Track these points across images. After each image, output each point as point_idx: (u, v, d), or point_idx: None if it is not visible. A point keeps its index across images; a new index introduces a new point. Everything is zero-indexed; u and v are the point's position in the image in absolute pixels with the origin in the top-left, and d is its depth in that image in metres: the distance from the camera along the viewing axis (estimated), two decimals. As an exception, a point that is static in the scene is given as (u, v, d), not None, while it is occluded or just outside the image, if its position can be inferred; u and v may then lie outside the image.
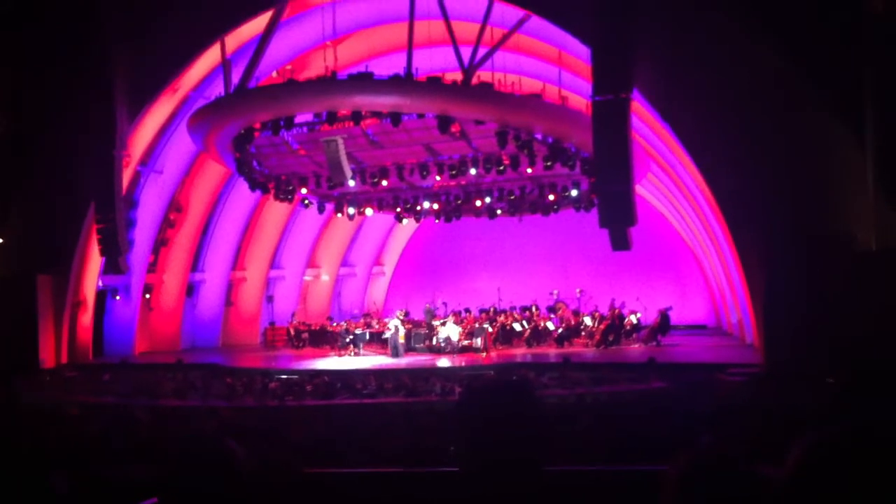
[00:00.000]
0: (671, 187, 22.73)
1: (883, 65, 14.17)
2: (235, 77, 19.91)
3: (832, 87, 14.95)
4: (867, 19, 14.25)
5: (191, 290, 27.60)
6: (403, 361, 21.26)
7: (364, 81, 18.14)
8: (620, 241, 16.70)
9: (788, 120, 15.57)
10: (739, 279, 17.92)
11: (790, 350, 14.62)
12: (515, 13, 18.79)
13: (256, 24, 20.40)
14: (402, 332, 22.69)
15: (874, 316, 13.71)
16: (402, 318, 23.91)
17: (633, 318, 23.62)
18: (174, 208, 25.86)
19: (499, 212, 25.95)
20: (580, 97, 19.50)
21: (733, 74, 15.85)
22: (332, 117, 19.01)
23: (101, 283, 24.13)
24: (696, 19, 16.13)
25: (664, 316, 23.24)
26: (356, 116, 18.86)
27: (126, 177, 22.16)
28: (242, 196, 26.36)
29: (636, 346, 22.86)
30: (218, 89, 20.77)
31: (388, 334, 22.94)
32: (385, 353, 22.74)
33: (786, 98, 15.50)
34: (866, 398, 8.01)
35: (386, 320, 25.04)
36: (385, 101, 18.28)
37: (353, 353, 23.17)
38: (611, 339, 22.90)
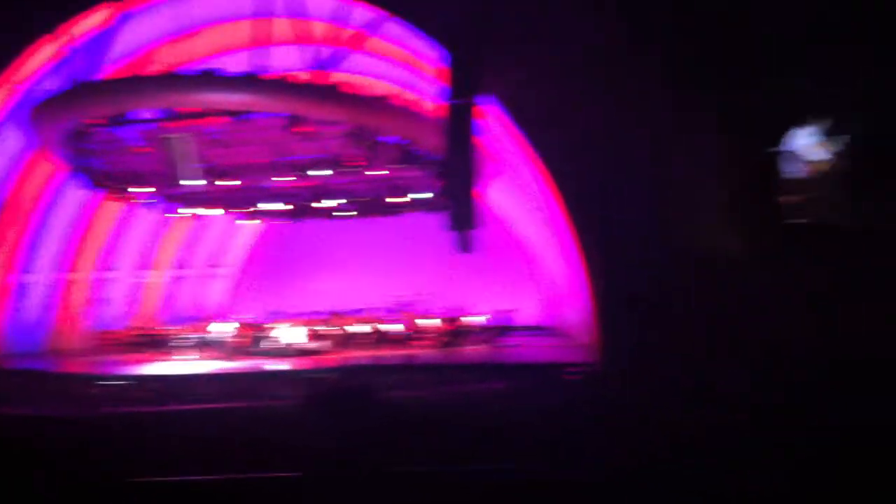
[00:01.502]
0: (518, 191, 23.20)
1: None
2: (76, 71, 18.97)
3: (689, 102, 15.56)
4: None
5: (17, 291, 26.07)
6: (244, 365, 20.79)
7: (211, 78, 17.66)
8: (466, 244, 16.91)
9: (644, 133, 16.12)
10: (579, 282, 18.47)
11: (626, 350, 15.20)
12: (372, 15, 18.75)
13: (100, 17, 19.53)
14: (238, 335, 22.22)
15: (707, 317, 14.43)
16: (242, 320, 23.38)
17: (477, 320, 23.97)
18: (2, 207, 24.37)
19: (348, 213, 25.79)
20: (432, 101, 19.64)
21: (588, 80, 16.24)
22: (177, 114, 18.41)
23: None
24: (552, 23, 16.47)
25: (506, 317, 23.69)
26: (203, 114, 18.34)
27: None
28: (77, 195, 25.13)
29: (479, 347, 23.20)
30: (57, 83, 19.72)
31: (222, 337, 22.41)
32: (224, 357, 22.22)
33: (642, 108, 16.03)
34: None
35: (223, 323, 24.40)
36: (233, 99, 17.84)
37: (189, 357, 22.52)
38: (454, 340, 23.16)
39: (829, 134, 14.63)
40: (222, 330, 23.46)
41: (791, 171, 14.92)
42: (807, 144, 14.72)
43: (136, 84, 18.04)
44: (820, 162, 14.58)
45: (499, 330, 23.62)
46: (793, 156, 14.82)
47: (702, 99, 15.15)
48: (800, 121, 14.75)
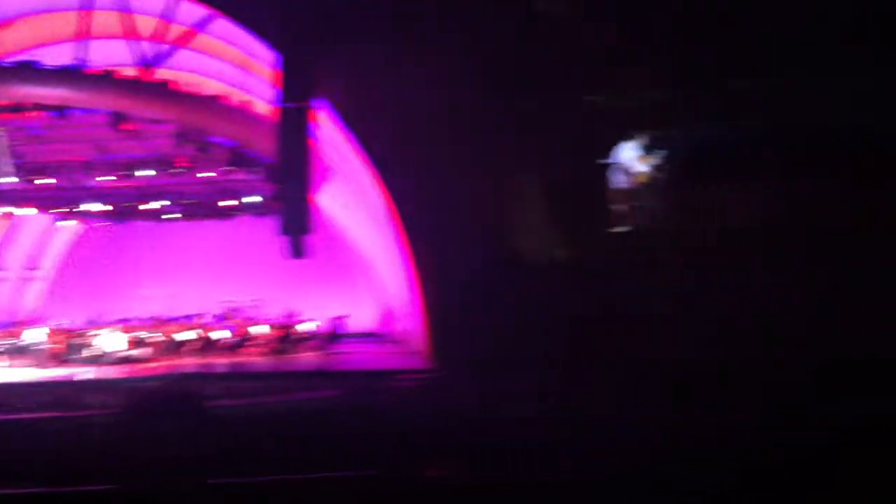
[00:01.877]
0: (351, 197, 23.12)
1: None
2: None
3: (516, 109, 15.90)
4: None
5: None
6: (59, 374, 19.70)
7: (27, 70, 16.84)
8: (298, 249, 16.72)
9: (473, 138, 16.35)
10: (411, 288, 18.59)
11: (457, 355, 15.39)
12: (203, 13, 18.22)
13: None
14: (53, 341, 21.08)
15: (538, 324, 14.82)
16: (59, 326, 22.19)
17: (308, 327, 23.73)
18: None
19: (173, 216, 25.03)
20: (265, 102, 19.30)
21: (420, 87, 16.36)
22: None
23: None
24: (385, 29, 16.50)
25: (338, 324, 23.57)
26: (18, 108, 17.40)
27: None
28: None
29: (311, 354, 22.95)
30: None
31: (36, 344, 21.22)
32: (38, 365, 21.00)
33: (472, 115, 16.25)
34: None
35: (37, 328, 22.96)
36: (51, 93, 17.02)
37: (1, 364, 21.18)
38: (284, 347, 22.83)
39: (650, 148, 15.35)
40: (36, 336, 22.08)
41: (619, 182, 15.55)
42: (631, 157, 15.39)
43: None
44: (641, 173, 15.28)
45: (332, 337, 23.47)
46: (620, 168, 15.45)
47: (540, 107, 15.56)
48: (626, 135, 15.39)
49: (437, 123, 16.42)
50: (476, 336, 15.28)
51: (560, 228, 15.76)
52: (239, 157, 19.29)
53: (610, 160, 15.53)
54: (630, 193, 15.49)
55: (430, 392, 13.01)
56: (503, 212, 16.36)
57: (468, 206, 16.31)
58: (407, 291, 20.36)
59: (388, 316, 26.96)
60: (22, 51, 20.28)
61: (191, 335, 23.20)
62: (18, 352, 21.78)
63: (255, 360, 21.96)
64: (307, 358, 22.34)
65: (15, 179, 20.14)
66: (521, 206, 16.24)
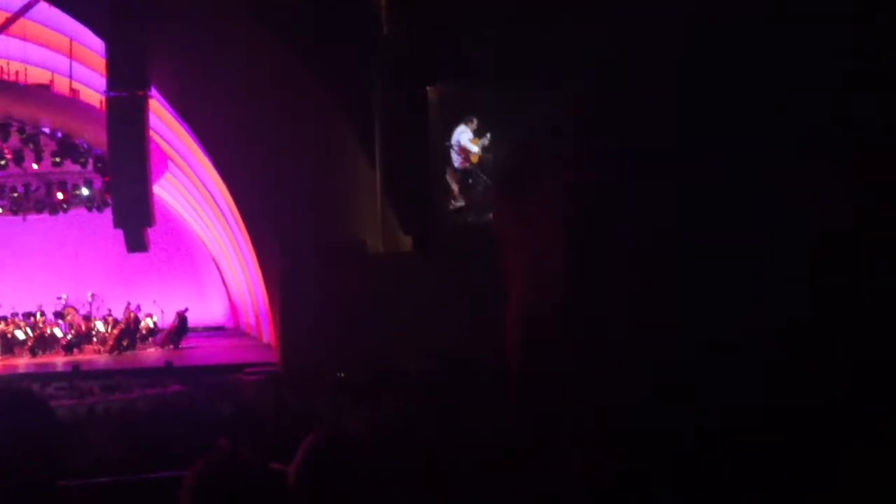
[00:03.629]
0: (190, 188, 22.61)
1: (387, 81, 15.44)
2: None
3: (350, 99, 15.92)
4: (380, 38, 15.38)
5: None
6: None
7: None
8: (136, 243, 16.27)
9: (309, 127, 16.29)
10: (257, 280, 18.39)
11: (305, 348, 15.35)
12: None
13: None
14: None
15: (384, 313, 14.92)
16: None
17: (150, 322, 23.06)
18: None
19: (-1, 210, 23.82)
20: (94, 91, 18.58)
21: (254, 76, 16.17)
22: None
23: None
24: (217, 18, 16.20)
25: (182, 318, 23.01)
26: None
27: None
28: None
29: (153, 350, 22.34)
30: None
31: None
32: None
33: (307, 105, 16.19)
34: (382, 393, 8.67)
35: None
36: None
37: None
38: (125, 344, 22.11)
39: (479, 131, 15.63)
40: None
41: (457, 163, 15.78)
42: (466, 139, 15.65)
43: None
44: (474, 155, 15.58)
45: (176, 331, 22.88)
46: (459, 149, 15.68)
47: (384, 90, 15.59)
48: (463, 118, 15.62)
49: (273, 113, 16.25)
50: (322, 326, 15.26)
51: (403, 212, 15.88)
52: (68, 148, 18.52)
53: (453, 142, 15.73)
54: (463, 175, 15.72)
55: (278, 386, 12.90)
56: (343, 204, 16.40)
57: (309, 198, 16.25)
58: (252, 282, 20.14)
59: (236, 308, 26.54)
60: None
61: (22, 333, 22.14)
62: None
63: (95, 357, 21.20)
64: (151, 354, 21.74)
65: None
66: (360, 198, 16.30)
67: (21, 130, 17.67)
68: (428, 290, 14.86)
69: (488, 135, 15.56)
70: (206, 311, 27.01)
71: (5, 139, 17.66)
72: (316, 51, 15.62)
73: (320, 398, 9.75)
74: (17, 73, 18.40)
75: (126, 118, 15.84)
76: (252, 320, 23.46)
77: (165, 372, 17.21)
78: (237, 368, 16.51)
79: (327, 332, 15.12)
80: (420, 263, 15.46)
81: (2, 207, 23.80)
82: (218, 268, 27.25)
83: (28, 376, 18.24)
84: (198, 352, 21.60)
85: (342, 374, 12.48)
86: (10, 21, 17.76)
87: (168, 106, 16.97)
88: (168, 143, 20.37)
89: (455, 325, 13.39)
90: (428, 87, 15.33)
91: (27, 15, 17.78)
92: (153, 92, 16.40)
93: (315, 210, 16.29)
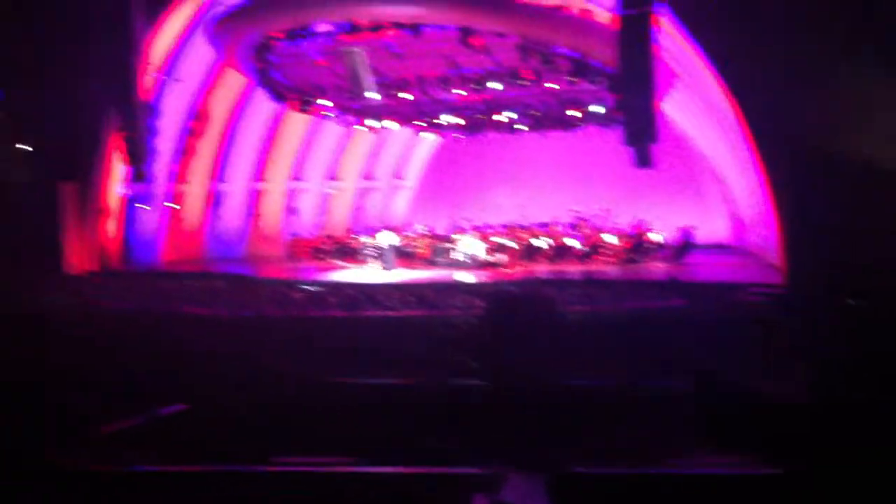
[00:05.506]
0: (696, 105, 22.37)
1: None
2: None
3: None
4: None
5: (214, 200, 27.55)
6: (428, 275, 21.05)
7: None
8: (643, 159, 16.53)
9: (823, 43, 15.14)
10: (764, 199, 17.76)
11: (813, 272, 14.55)
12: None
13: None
14: (417, 245, 22.62)
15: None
16: (422, 232, 23.80)
17: (656, 237, 23.49)
18: (195, 117, 25.63)
19: (521, 127, 25.70)
20: (605, 11, 19.08)
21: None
22: (351, 27, 18.75)
23: (125, 192, 24.16)
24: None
25: (687, 235, 23.13)
26: (376, 27, 18.61)
27: (146, 84, 21.81)
28: (263, 106, 26.16)
29: (658, 264, 22.79)
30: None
31: (391, 247, 22.93)
32: (416, 266, 22.74)
33: (821, 22, 15.04)
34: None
35: (387, 233, 24.46)
36: (404, 12, 18.04)
37: (376, 266, 23.15)
38: (633, 257, 22.85)
39: None
40: (390, 240, 23.62)
41: None
42: None
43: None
44: None
45: (680, 248, 23.09)
46: None
47: None
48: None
49: (787, 29, 15.26)
50: (831, 253, 14.26)
51: None
52: (581, 68, 19.25)
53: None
54: None
55: (783, 309, 12.43)
56: (849, 117, 14.94)
57: (822, 114, 15.07)
58: (759, 202, 19.49)
59: (740, 227, 26.02)
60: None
61: (544, 243, 23.88)
62: (386, 254, 23.57)
63: (605, 268, 22.18)
64: (656, 268, 22.21)
65: (378, 96, 21.63)
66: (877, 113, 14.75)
67: (539, 51, 18.64)
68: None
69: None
70: (710, 227, 26.84)
71: (525, 60, 18.79)
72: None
73: (823, 324, 9.23)
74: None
75: (635, 35, 15.95)
76: (758, 240, 22.80)
77: (669, 286, 17.47)
78: (741, 287, 16.20)
79: (838, 257, 14.14)
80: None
81: (524, 125, 25.61)
82: (722, 185, 26.82)
83: (546, 282, 19.67)
84: (701, 268, 21.59)
85: (853, 302, 11.63)
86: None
87: (678, 22, 16.83)
88: (676, 60, 20.29)
89: None
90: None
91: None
92: (664, 8, 16.35)
93: (829, 129, 15.15)
